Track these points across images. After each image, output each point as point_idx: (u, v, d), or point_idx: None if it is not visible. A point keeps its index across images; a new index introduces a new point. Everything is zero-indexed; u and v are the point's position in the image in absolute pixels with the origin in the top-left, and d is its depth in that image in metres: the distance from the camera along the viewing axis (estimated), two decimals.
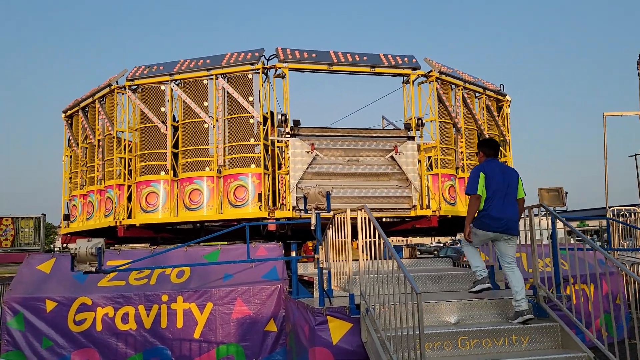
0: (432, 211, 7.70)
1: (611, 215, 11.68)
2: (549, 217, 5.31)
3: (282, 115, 7.47)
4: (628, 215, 12.13)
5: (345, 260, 5.01)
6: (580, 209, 43.58)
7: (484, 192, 4.94)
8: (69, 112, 9.72)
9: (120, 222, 7.89)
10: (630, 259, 10.74)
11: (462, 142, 8.40)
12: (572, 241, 8.25)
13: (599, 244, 16.51)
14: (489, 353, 4.57)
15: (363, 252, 4.77)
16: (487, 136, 8.82)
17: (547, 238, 5.59)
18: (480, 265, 5.18)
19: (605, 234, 12.23)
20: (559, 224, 5.25)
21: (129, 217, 7.96)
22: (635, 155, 31.51)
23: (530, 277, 5.39)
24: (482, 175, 4.96)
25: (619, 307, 8.02)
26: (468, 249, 5.30)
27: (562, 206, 5.71)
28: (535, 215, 5.41)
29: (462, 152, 8.39)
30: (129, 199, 8.09)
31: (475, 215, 5.00)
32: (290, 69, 7.68)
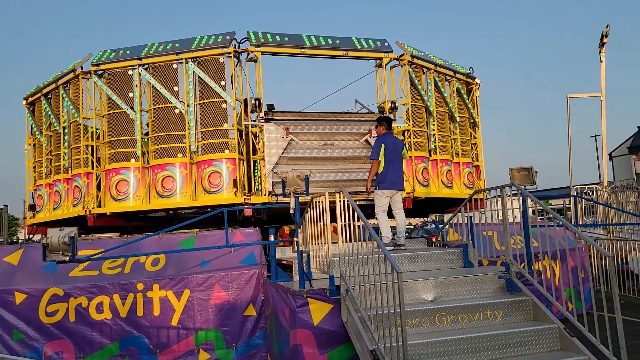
0: (407, 193, 7.80)
1: (575, 194, 12.13)
2: (520, 196, 5.46)
3: (255, 99, 7.39)
4: (590, 194, 12.61)
5: (324, 243, 5.04)
6: (545, 188, 44.98)
7: (382, 158, 6.38)
8: (30, 99, 9.36)
9: (90, 211, 7.70)
10: (593, 235, 11.22)
11: (434, 124, 8.52)
12: (538, 219, 8.53)
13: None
14: (465, 328, 4.70)
15: (342, 234, 4.80)
16: (458, 119, 8.98)
17: (515, 217, 5.76)
18: (388, 234, 6.45)
19: (568, 212, 12.69)
20: (530, 203, 5.41)
21: (99, 206, 7.77)
22: (596, 135, 32.65)
23: (503, 254, 5.55)
24: (383, 146, 6.42)
25: (583, 281, 8.38)
26: (380, 218, 6.45)
27: (532, 185, 5.88)
28: (507, 195, 5.55)
29: (434, 135, 8.50)
30: (99, 187, 7.89)
31: (375, 179, 6.50)
32: (263, 53, 7.59)
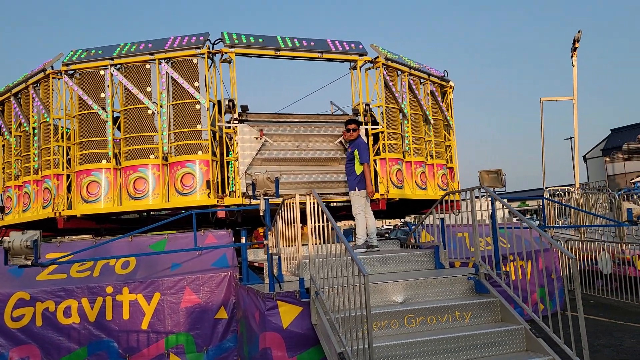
0: (381, 195, 7.84)
1: (547, 196, 12.36)
2: (489, 198, 5.53)
3: (229, 100, 7.35)
4: (563, 195, 12.86)
5: (295, 245, 5.03)
6: (520, 189, 45.73)
7: (359, 164, 6.62)
8: (0, 99, 9.14)
9: (60, 213, 7.55)
10: (565, 236, 11.43)
11: (408, 126, 8.58)
12: (514, 220, 8.65)
13: (537, 222, 17.43)
14: (434, 329, 4.75)
15: (312, 236, 4.80)
16: (432, 122, 9.07)
17: (488, 218, 5.83)
18: (364, 235, 6.57)
19: (545, 213, 12.92)
20: (498, 205, 5.48)
21: (69, 207, 7.63)
22: (570, 138, 33.29)
23: (472, 255, 5.62)
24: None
25: (554, 282, 8.52)
26: (358, 218, 6.56)
27: (501, 187, 5.98)
28: (477, 197, 5.62)
29: (408, 137, 8.56)
30: (69, 188, 7.75)
31: (352, 180, 6.71)
32: (237, 54, 7.55)
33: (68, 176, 7.77)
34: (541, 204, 12.68)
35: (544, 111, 13.64)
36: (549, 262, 8.38)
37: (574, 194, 12.44)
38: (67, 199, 7.68)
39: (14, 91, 8.71)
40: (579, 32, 13.32)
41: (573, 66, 13.53)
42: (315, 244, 4.84)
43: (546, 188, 12.95)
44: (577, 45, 13.36)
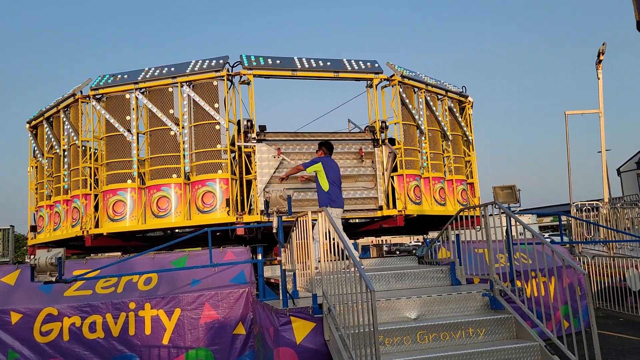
0: (398, 211, 7.87)
1: (574, 210, 12.09)
2: (503, 214, 5.50)
3: (248, 121, 7.56)
4: (591, 210, 12.56)
5: (308, 262, 5.12)
6: (547, 205, 44.58)
7: (325, 180, 6.44)
8: (33, 123, 9.63)
9: (87, 231, 7.86)
10: (592, 252, 11.14)
11: (426, 143, 8.61)
12: (531, 236, 8.50)
13: (565, 238, 16.94)
14: (447, 346, 4.73)
15: (324, 253, 4.88)
16: (450, 137, 9.07)
17: (504, 234, 5.78)
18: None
19: (572, 228, 12.63)
20: (513, 221, 5.44)
21: (96, 226, 7.93)
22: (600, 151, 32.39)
23: (489, 272, 5.57)
24: (320, 164, 6.50)
25: (580, 298, 8.31)
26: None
27: (515, 203, 5.94)
28: (491, 215, 5.60)
29: (425, 153, 8.59)
30: (96, 208, 8.06)
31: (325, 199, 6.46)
32: (255, 76, 7.78)
33: (96, 196, 8.09)
34: (568, 219, 12.41)
35: (570, 125, 13.43)
36: (574, 279, 8.18)
37: (602, 208, 12.13)
38: (95, 217, 7.99)
39: (46, 115, 9.17)
40: (603, 44, 13.14)
41: (598, 79, 13.32)
42: (328, 260, 4.91)
43: (573, 203, 12.67)
44: (602, 57, 13.17)
